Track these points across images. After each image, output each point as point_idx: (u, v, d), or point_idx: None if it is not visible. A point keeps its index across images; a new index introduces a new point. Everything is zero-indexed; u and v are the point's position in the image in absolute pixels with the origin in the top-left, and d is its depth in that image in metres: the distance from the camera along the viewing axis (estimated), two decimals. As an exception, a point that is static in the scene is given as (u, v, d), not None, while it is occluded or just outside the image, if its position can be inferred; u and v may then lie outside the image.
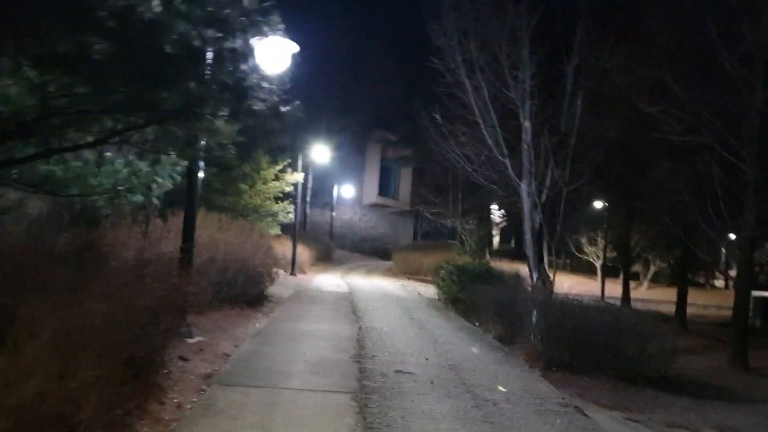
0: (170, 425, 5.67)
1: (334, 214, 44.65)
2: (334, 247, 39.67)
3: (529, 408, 7.54)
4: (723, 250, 31.29)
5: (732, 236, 17.74)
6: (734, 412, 9.57)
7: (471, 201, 31.72)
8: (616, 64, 16.18)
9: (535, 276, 15.83)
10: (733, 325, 15.74)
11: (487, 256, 29.25)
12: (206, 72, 5.59)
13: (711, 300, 30.32)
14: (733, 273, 36.57)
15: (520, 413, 7.22)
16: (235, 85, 5.36)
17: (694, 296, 25.37)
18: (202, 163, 9.80)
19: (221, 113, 5.45)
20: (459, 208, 32.56)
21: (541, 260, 15.84)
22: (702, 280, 44.55)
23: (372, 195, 50.46)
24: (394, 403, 7.04)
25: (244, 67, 5.51)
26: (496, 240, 41.26)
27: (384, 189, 51.29)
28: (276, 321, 12.50)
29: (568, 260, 40.27)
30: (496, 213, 38.66)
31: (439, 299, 19.58)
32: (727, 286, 42.47)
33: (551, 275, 16.08)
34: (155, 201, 8.73)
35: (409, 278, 28.92)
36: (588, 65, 15.99)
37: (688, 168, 16.58)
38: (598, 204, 31.33)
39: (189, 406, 6.24)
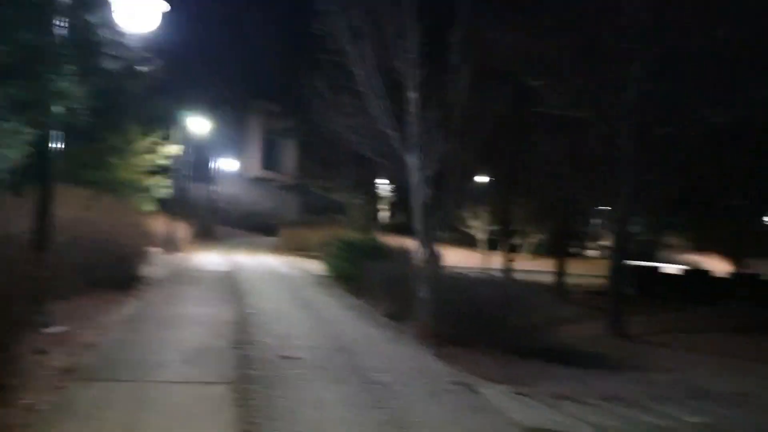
0: (17, 432, 4.93)
1: (215, 188, 42.88)
2: (216, 223, 38.32)
3: (421, 388, 7.34)
4: (597, 221, 32.81)
5: (607, 208, 18.50)
6: (614, 379, 9.83)
7: (359, 175, 31.34)
8: (501, 36, 16.17)
9: (423, 251, 15.70)
10: (608, 294, 16.38)
11: (376, 231, 29.11)
12: (50, 24, 4.72)
13: (586, 269, 31.73)
14: (606, 243, 38.63)
15: (412, 395, 6.99)
16: (84, 40, 4.54)
17: (570, 266, 26.34)
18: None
19: (67, 72, 4.62)
20: (347, 182, 32.13)
21: (429, 235, 15.71)
22: (576, 251, 46.72)
23: (255, 168, 49.01)
24: (278, 392, 6.58)
25: (94, 20, 4.68)
26: (385, 215, 41.23)
27: (268, 162, 49.91)
28: (148, 305, 11.64)
29: (453, 234, 40.97)
30: (385, 187, 38.56)
31: (328, 276, 19.16)
32: (600, 256, 44.76)
33: (439, 250, 16.02)
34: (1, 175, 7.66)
35: (295, 255, 28.30)
36: (474, 37, 15.87)
37: (568, 142, 17.00)
38: (482, 178, 31.89)
39: (42, 408, 5.53)
